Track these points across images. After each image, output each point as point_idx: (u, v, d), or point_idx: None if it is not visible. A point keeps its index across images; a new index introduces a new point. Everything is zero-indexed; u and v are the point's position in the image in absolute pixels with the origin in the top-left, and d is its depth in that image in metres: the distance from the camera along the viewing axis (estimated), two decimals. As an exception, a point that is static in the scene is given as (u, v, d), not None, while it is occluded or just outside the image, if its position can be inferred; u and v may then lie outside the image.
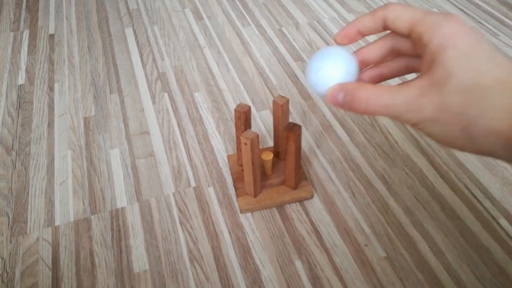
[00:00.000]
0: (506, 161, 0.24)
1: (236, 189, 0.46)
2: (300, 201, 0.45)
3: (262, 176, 0.45)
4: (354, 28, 0.31)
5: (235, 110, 0.42)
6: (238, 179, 0.46)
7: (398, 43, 0.33)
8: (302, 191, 0.45)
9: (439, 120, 0.25)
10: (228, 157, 0.49)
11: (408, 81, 0.27)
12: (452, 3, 0.76)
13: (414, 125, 0.26)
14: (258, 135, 0.39)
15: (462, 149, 0.25)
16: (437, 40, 0.26)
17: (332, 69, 0.31)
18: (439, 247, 0.41)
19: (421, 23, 0.27)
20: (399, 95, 0.27)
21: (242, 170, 0.43)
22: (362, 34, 0.32)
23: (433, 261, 0.40)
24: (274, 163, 0.47)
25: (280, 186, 0.45)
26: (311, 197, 0.45)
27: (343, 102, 0.29)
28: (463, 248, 0.41)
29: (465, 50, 0.25)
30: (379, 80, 0.34)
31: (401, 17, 0.29)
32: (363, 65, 0.32)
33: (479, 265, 0.39)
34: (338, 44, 0.32)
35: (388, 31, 0.31)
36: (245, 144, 0.39)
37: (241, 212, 0.44)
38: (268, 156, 0.44)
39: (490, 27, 0.69)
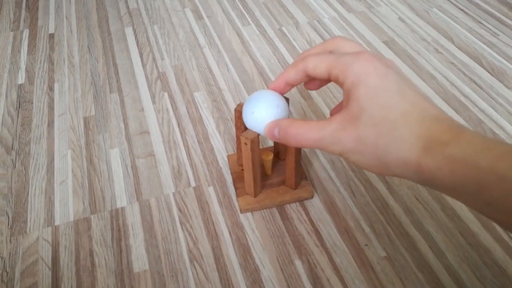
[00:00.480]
0: (420, 184, 0.27)
1: (236, 189, 0.46)
2: (300, 201, 0.45)
3: (262, 176, 0.45)
4: (283, 80, 0.35)
5: (235, 110, 0.42)
6: (238, 179, 0.46)
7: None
8: (302, 191, 0.45)
9: (357, 150, 0.28)
10: (228, 156, 0.49)
11: (331, 117, 0.30)
12: (452, 2, 0.76)
13: (338, 155, 0.30)
14: (258, 135, 0.39)
15: (380, 173, 0.28)
16: (350, 79, 0.29)
17: (263, 111, 0.36)
18: (439, 247, 0.41)
19: (335, 66, 0.30)
20: (323, 130, 0.30)
21: (242, 170, 0.43)
22: (291, 85, 0.35)
23: (433, 261, 0.40)
24: (274, 163, 0.47)
25: (280, 186, 0.45)
26: (312, 197, 0.45)
27: (278, 136, 0.33)
28: (463, 248, 0.41)
29: (373, 86, 0.28)
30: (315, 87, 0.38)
31: (319, 66, 0.32)
32: (289, 86, 0.36)
33: (479, 265, 0.39)
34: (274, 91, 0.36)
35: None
36: (245, 144, 0.39)
37: (241, 212, 0.44)
38: (268, 156, 0.44)
39: (490, 26, 0.69)
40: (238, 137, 0.44)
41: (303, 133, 0.31)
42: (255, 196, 0.44)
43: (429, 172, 0.24)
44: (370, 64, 0.28)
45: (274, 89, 0.36)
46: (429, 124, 0.25)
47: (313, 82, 0.36)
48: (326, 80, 0.33)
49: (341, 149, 0.29)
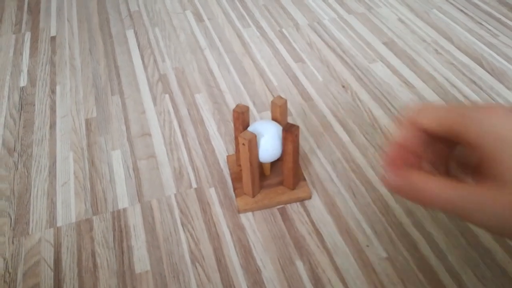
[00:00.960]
0: None
1: (234, 189, 0.46)
2: (298, 201, 0.45)
3: (261, 177, 0.45)
4: (397, 146, 0.29)
5: (234, 111, 0.42)
6: (236, 179, 0.46)
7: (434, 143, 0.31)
8: (300, 191, 0.45)
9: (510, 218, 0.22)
10: (228, 157, 0.49)
11: (472, 183, 0.25)
12: (451, 3, 0.76)
13: (489, 227, 0.23)
14: (256, 136, 0.39)
15: None
16: (489, 138, 0.24)
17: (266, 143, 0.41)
18: (440, 248, 0.41)
19: (459, 123, 0.25)
20: (463, 191, 0.24)
21: (241, 170, 0.44)
22: (404, 146, 0.29)
23: (434, 262, 0.40)
24: (273, 163, 0.47)
25: (278, 187, 0.46)
26: (309, 197, 0.45)
27: (402, 191, 0.26)
28: (464, 248, 0.41)
29: None
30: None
31: (435, 121, 0.26)
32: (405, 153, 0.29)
33: (480, 265, 0.39)
34: (389, 170, 0.30)
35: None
36: (243, 144, 0.39)
37: (239, 212, 0.44)
38: None
39: (490, 27, 0.70)
40: (236, 138, 0.44)
41: (435, 191, 0.25)
42: (253, 196, 0.45)
43: None
44: (503, 118, 0.24)
45: (392, 161, 0.29)
46: None
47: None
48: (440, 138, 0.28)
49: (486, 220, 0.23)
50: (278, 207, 0.45)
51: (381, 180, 0.28)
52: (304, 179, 0.46)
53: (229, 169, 0.48)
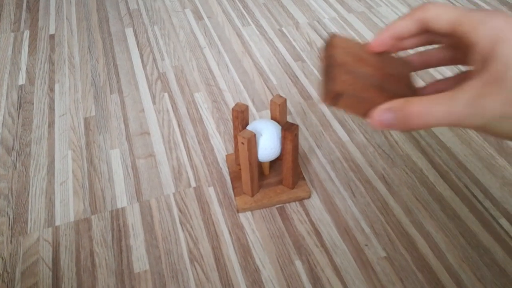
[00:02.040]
0: None
1: (233, 188, 0.46)
2: (298, 200, 0.45)
3: (260, 176, 0.45)
4: (389, 33, 0.30)
5: (233, 110, 0.42)
6: (235, 178, 0.46)
7: (435, 37, 0.31)
8: (299, 190, 0.45)
9: (509, 115, 0.24)
10: (227, 156, 0.49)
11: (460, 86, 0.25)
12: (452, 2, 0.76)
13: (479, 128, 0.25)
14: (255, 135, 0.39)
15: None
16: (487, 37, 0.25)
17: (265, 141, 0.40)
18: (439, 247, 0.41)
19: (464, 21, 0.26)
20: (457, 100, 0.25)
21: (240, 169, 0.43)
22: (399, 39, 0.30)
23: (433, 261, 0.40)
24: (272, 162, 0.47)
25: (277, 186, 0.45)
26: (309, 196, 0.45)
27: (396, 122, 0.27)
28: (463, 248, 0.41)
29: None
30: (422, 67, 0.33)
31: (441, 17, 0.27)
32: (398, 40, 0.30)
33: (479, 265, 0.39)
34: (376, 50, 0.31)
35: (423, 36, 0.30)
36: (242, 143, 0.39)
37: (238, 211, 0.44)
38: None
39: (490, 26, 0.69)
40: (236, 137, 0.44)
41: (430, 109, 0.26)
42: (253, 195, 0.44)
43: None
44: (509, 20, 0.25)
45: (379, 44, 0.31)
46: None
47: (410, 39, 0.31)
48: (440, 36, 0.28)
49: (485, 119, 0.24)
50: (277, 206, 0.45)
51: (374, 121, 0.28)
52: (304, 179, 0.46)
53: (228, 168, 0.48)
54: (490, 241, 0.41)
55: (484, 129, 0.25)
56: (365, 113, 0.30)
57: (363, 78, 0.31)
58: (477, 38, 0.25)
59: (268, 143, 0.41)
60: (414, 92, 0.32)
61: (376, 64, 0.32)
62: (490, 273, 0.39)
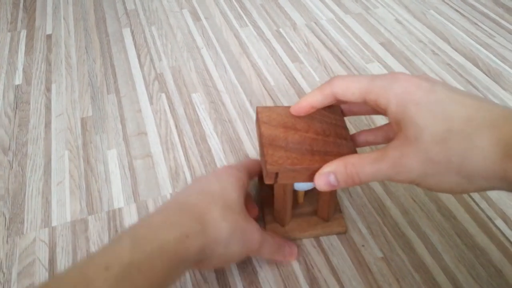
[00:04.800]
0: (508, 191, 0.24)
1: (263, 215, 0.42)
2: (332, 234, 0.42)
3: (293, 204, 0.41)
4: (306, 103, 0.33)
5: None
6: (267, 202, 0.42)
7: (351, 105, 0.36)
8: (335, 224, 0.42)
9: (430, 173, 0.25)
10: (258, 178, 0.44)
11: (385, 147, 0.28)
12: (448, 4, 0.76)
13: (410, 183, 0.27)
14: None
15: (463, 191, 0.25)
16: (394, 102, 0.27)
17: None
18: (436, 248, 0.41)
19: (372, 90, 0.28)
20: (382, 161, 0.27)
21: (272, 194, 0.40)
22: (315, 108, 0.34)
23: (429, 262, 0.40)
24: (307, 190, 0.42)
25: (311, 217, 0.42)
26: (345, 232, 0.42)
27: (338, 184, 0.30)
28: (460, 248, 0.41)
29: (424, 102, 0.26)
30: (350, 114, 0.38)
31: (350, 89, 0.30)
32: (314, 108, 0.35)
33: (475, 265, 0.40)
34: (297, 115, 0.35)
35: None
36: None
37: None
38: None
39: (486, 28, 0.70)
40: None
41: (360, 169, 0.28)
42: (284, 226, 0.41)
43: None
44: (410, 83, 0.26)
45: (297, 110, 0.34)
46: (501, 126, 0.23)
47: (353, 105, 0.36)
48: (362, 104, 0.31)
49: (410, 177, 0.26)
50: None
51: (319, 184, 0.32)
52: (340, 211, 0.43)
53: (259, 190, 0.44)
54: (486, 241, 0.41)
55: (416, 184, 0.27)
56: (307, 179, 0.33)
57: (294, 149, 0.34)
58: (387, 104, 0.29)
59: None
60: (345, 139, 0.34)
61: (304, 127, 0.35)
62: (486, 273, 0.39)
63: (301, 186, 0.39)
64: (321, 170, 0.31)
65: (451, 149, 0.24)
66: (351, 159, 0.29)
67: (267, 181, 0.33)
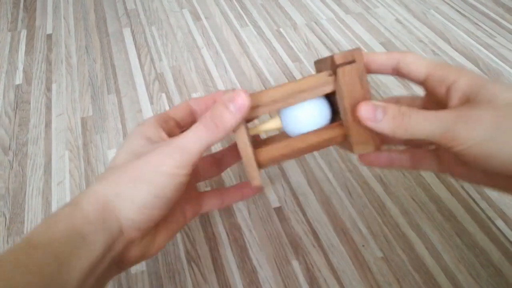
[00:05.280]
0: None
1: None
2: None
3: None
4: (366, 57, 0.30)
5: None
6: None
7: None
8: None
9: (502, 130, 0.23)
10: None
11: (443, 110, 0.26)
12: (448, 4, 0.76)
13: (468, 149, 0.24)
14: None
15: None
16: (466, 78, 0.26)
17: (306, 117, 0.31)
18: (436, 248, 0.41)
19: (441, 68, 0.28)
20: (444, 112, 0.26)
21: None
22: (370, 69, 0.31)
23: (429, 262, 0.40)
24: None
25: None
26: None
27: (386, 119, 0.27)
28: (460, 248, 0.41)
29: (497, 83, 0.25)
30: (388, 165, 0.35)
31: (418, 63, 0.29)
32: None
33: (475, 265, 0.40)
34: None
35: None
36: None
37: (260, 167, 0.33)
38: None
39: (486, 28, 0.70)
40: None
41: (415, 113, 0.26)
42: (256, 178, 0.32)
43: None
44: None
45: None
46: None
47: (381, 156, 0.33)
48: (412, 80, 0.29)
49: (477, 131, 0.23)
50: (274, 206, 0.45)
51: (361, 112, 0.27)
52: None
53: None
54: (486, 241, 0.41)
55: (473, 153, 0.24)
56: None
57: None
58: (458, 80, 0.27)
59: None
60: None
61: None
62: (486, 273, 0.39)
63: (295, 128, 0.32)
64: (371, 101, 0.27)
65: None
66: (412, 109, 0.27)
67: (257, 183, 0.32)
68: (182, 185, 0.28)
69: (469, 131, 0.24)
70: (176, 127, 0.34)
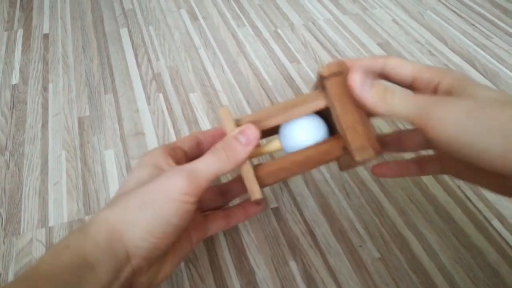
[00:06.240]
0: None
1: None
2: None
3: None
4: (350, 62, 0.31)
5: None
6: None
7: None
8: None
9: (475, 116, 0.23)
10: None
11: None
12: (445, 4, 0.76)
13: (444, 139, 0.24)
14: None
15: (501, 161, 0.23)
16: (451, 80, 0.27)
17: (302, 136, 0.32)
18: (433, 248, 0.41)
19: (426, 70, 0.29)
20: (421, 95, 0.27)
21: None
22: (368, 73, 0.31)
23: (426, 262, 0.40)
24: None
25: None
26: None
27: (374, 97, 0.28)
28: (456, 249, 0.41)
29: (479, 84, 0.26)
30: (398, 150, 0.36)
31: (403, 66, 0.30)
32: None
33: (472, 266, 0.40)
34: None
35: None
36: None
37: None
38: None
39: (483, 29, 0.70)
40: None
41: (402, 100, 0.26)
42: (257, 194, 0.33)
43: None
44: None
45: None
46: None
47: (389, 166, 0.35)
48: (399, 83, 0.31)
49: (454, 113, 0.23)
50: (272, 207, 0.45)
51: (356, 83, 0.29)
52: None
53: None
54: (483, 242, 0.42)
55: (444, 139, 0.25)
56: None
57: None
58: (441, 79, 0.28)
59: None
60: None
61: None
62: (483, 274, 0.39)
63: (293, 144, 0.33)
64: (361, 72, 0.29)
65: (503, 112, 0.22)
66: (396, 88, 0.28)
67: (258, 198, 0.32)
68: (188, 213, 0.28)
69: (443, 113, 0.24)
70: (184, 156, 0.34)
